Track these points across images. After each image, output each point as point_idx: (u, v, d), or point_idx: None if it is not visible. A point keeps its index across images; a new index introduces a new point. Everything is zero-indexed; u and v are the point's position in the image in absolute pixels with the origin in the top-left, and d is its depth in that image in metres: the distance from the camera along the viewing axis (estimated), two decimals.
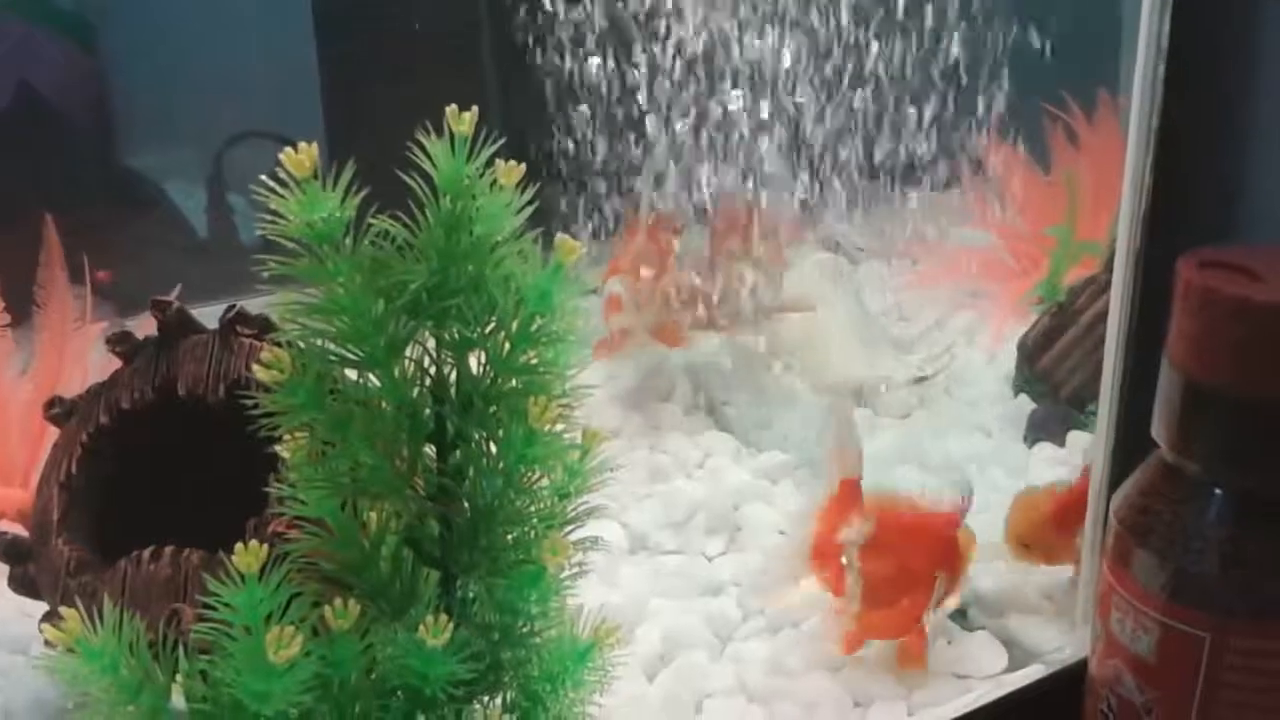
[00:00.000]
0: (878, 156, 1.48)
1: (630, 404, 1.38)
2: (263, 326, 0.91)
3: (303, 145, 0.64)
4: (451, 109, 0.69)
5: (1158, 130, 0.79)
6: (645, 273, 1.35)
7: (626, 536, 1.13)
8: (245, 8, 1.83)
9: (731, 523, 1.15)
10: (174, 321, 0.92)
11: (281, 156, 0.64)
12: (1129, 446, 0.84)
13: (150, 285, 1.46)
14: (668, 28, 1.38)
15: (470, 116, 0.69)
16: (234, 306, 0.91)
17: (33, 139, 1.75)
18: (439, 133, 0.67)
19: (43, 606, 0.90)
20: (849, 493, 0.96)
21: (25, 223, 1.33)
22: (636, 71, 1.41)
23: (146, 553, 0.87)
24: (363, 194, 0.67)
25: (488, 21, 1.64)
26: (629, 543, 1.13)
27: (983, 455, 1.24)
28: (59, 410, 0.93)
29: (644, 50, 1.39)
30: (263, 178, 0.65)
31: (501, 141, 0.69)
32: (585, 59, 1.46)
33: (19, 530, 1.00)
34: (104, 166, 1.88)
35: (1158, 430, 0.68)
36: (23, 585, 0.92)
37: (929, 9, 1.43)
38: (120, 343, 0.92)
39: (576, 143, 1.49)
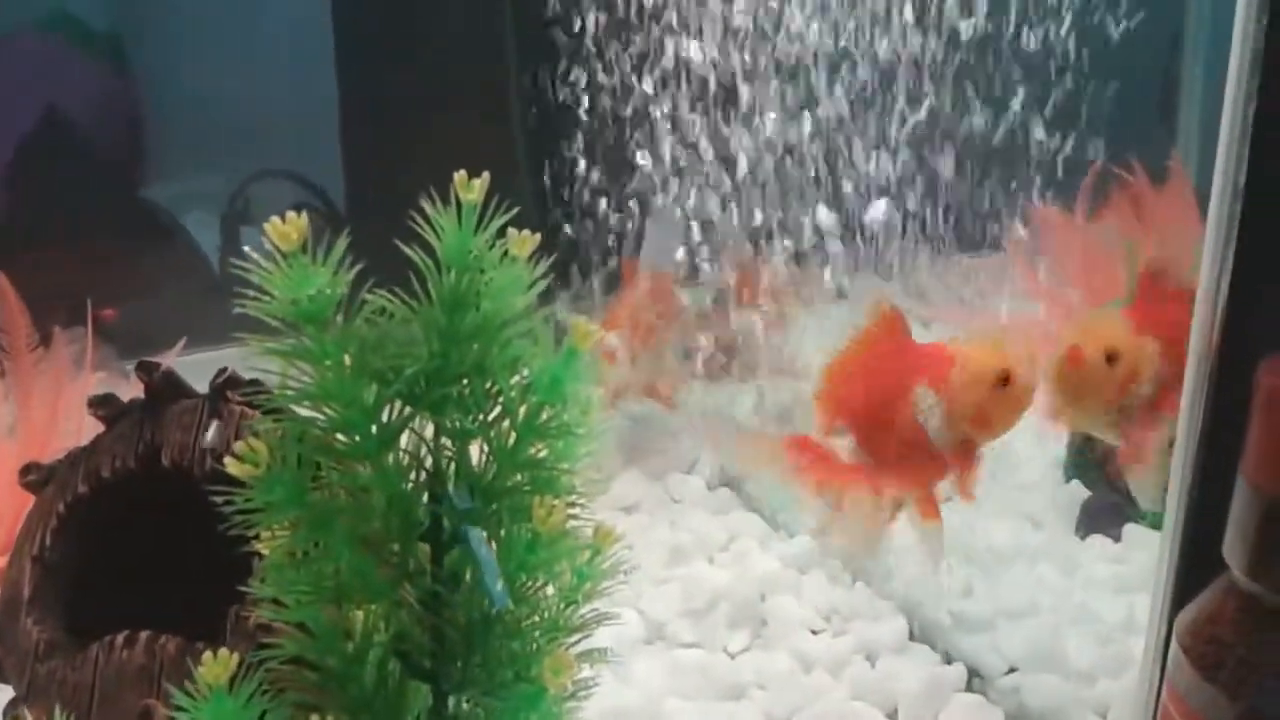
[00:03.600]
0: (922, 215, 1.42)
1: (651, 474, 1.31)
2: (255, 392, 0.85)
3: (290, 216, 0.58)
4: (460, 175, 0.63)
5: (1239, 220, 0.72)
6: (644, 325, 1.30)
7: (643, 624, 1.06)
8: (269, 40, 1.80)
9: (757, 616, 1.08)
10: (162, 385, 0.86)
11: (267, 228, 0.58)
12: (1195, 559, 0.77)
13: (159, 325, 1.43)
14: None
15: (480, 184, 0.63)
16: (225, 370, 0.85)
17: (56, 166, 1.73)
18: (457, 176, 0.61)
19: (8, 690, 0.84)
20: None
21: (44, 254, 1.29)
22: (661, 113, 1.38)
23: (120, 638, 0.81)
24: (359, 267, 0.61)
25: (514, 65, 1.61)
26: (645, 631, 1.06)
27: (1030, 548, 1.16)
28: (36, 477, 0.87)
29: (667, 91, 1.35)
30: (247, 249, 0.59)
31: (515, 210, 0.63)
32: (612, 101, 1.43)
33: None
34: (125, 196, 1.86)
35: (1230, 552, 0.63)
36: None
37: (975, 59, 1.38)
38: (103, 406, 0.86)
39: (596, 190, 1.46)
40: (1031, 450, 1.37)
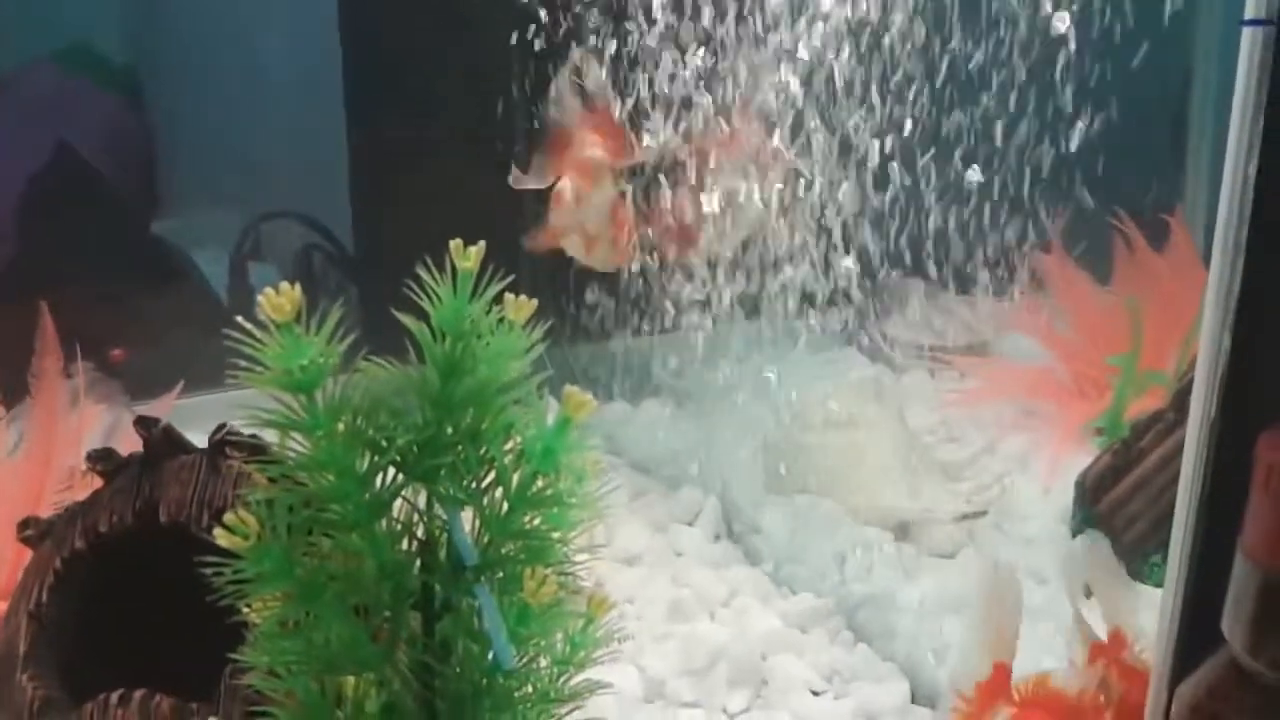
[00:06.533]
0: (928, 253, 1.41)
1: (655, 524, 1.31)
2: (254, 449, 0.85)
3: (284, 287, 0.58)
4: (456, 243, 0.63)
5: (1240, 286, 0.72)
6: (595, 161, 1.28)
7: (641, 682, 1.05)
8: (281, 81, 1.82)
9: (758, 675, 1.06)
10: (160, 440, 0.86)
11: (261, 299, 0.58)
12: (1196, 628, 0.76)
13: (168, 366, 1.43)
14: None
15: (476, 252, 0.63)
16: (223, 426, 0.85)
17: (68, 202, 1.73)
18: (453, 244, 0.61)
19: None
20: (1000, 679, 0.86)
21: (53, 291, 1.29)
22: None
23: (115, 696, 0.81)
24: (350, 338, 0.61)
25: (521, 108, 1.61)
26: (644, 689, 1.05)
27: (1035, 607, 1.14)
28: (33, 532, 0.87)
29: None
30: (239, 319, 0.59)
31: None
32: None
33: None
34: (136, 234, 1.85)
35: (1230, 628, 0.62)
36: None
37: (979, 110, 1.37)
38: (102, 460, 0.86)
39: None
40: (1037, 503, 1.36)
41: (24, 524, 0.88)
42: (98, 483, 0.88)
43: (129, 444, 0.88)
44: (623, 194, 1.35)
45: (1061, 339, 1.58)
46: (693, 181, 1.34)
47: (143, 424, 0.86)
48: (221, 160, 1.86)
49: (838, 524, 1.27)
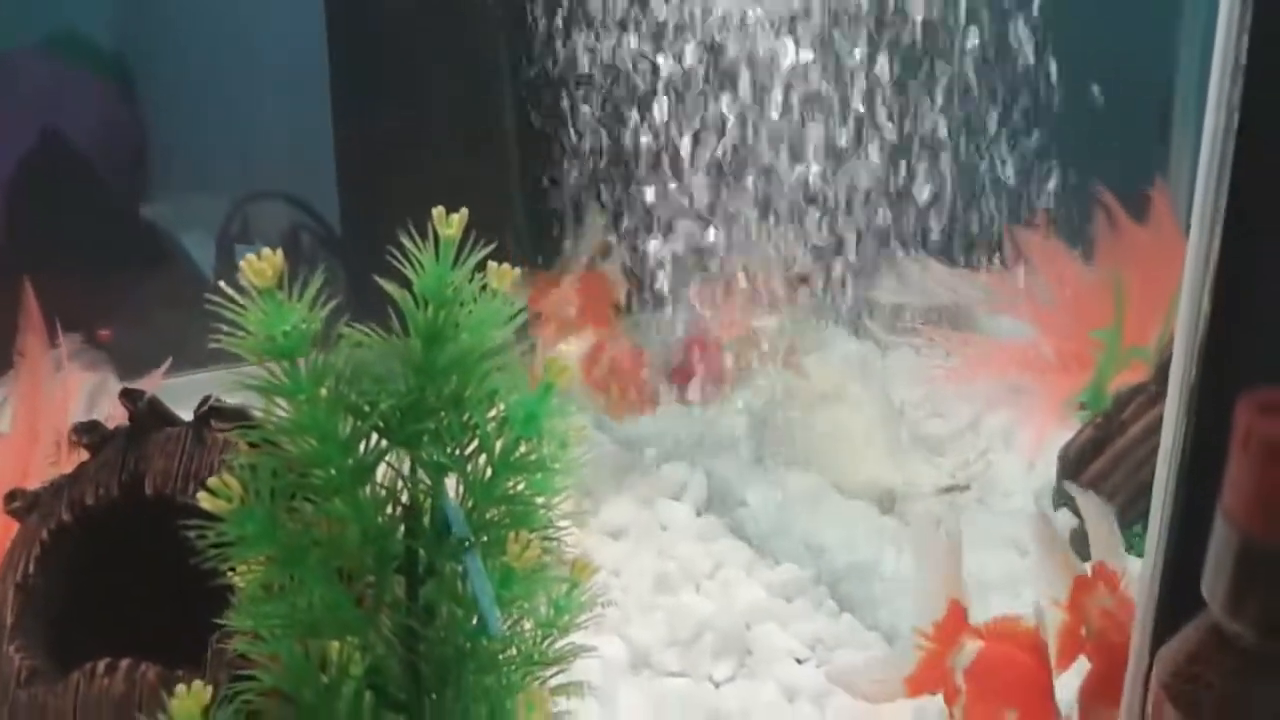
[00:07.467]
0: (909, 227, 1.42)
1: (641, 499, 1.31)
2: (239, 421, 0.85)
3: (265, 252, 0.59)
4: (438, 211, 0.63)
5: (1220, 249, 0.72)
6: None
7: (628, 652, 1.06)
8: (268, 62, 1.81)
9: (742, 645, 1.07)
10: (146, 413, 0.86)
11: (243, 264, 0.58)
12: (1179, 592, 0.77)
13: (155, 345, 1.43)
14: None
15: (459, 219, 0.63)
16: (208, 398, 0.85)
17: (56, 185, 1.73)
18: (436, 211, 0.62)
19: None
20: (956, 614, 0.91)
21: (42, 272, 1.29)
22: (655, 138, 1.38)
23: (101, 665, 0.81)
24: (334, 302, 0.61)
25: (509, 90, 1.61)
26: (630, 659, 1.05)
27: (1017, 575, 1.15)
28: (19, 504, 0.87)
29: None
30: (221, 284, 0.59)
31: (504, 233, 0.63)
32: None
33: None
34: (124, 217, 1.85)
35: (1209, 589, 0.62)
36: None
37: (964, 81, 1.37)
38: (87, 433, 0.86)
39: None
40: (1020, 478, 1.37)
41: (10, 496, 0.88)
42: (85, 456, 0.88)
43: (116, 413, 0.88)
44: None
45: (1045, 314, 1.59)
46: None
47: (128, 396, 0.86)
48: (208, 144, 1.85)
49: (823, 497, 1.27)
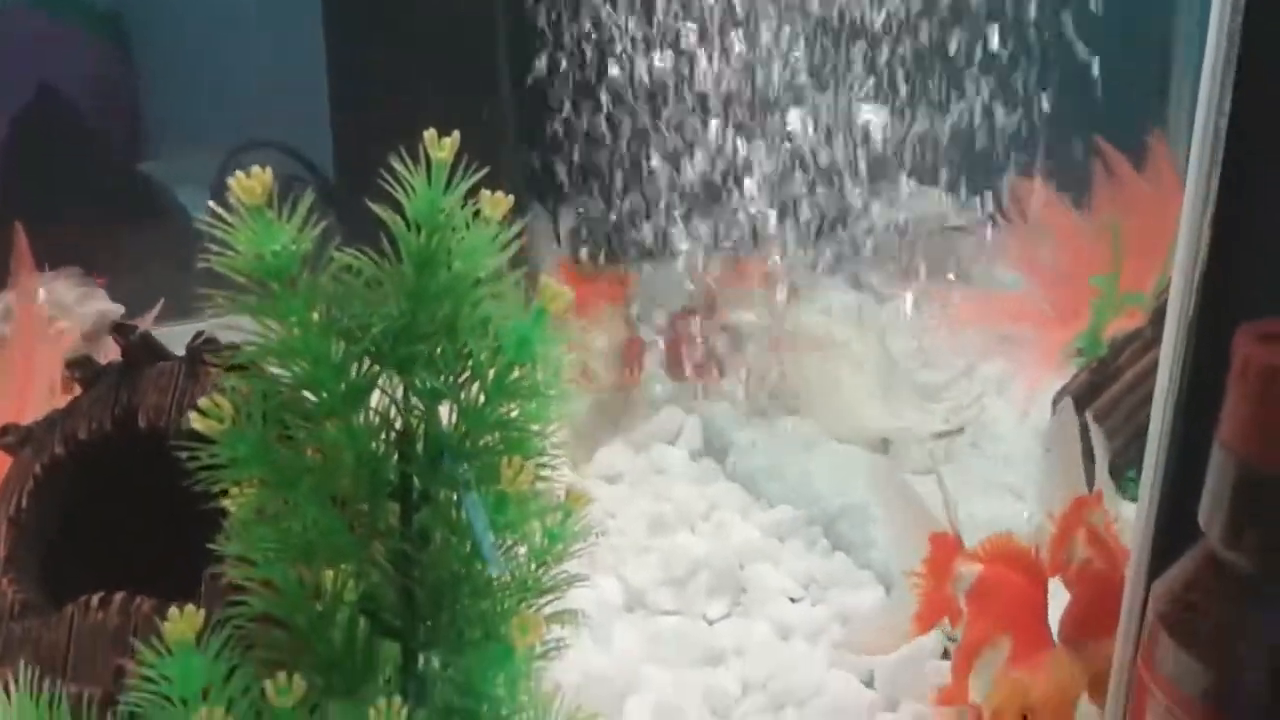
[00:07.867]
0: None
1: (637, 444, 1.31)
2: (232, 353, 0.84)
3: (255, 170, 0.58)
4: (430, 134, 0.62)
5: (1219, 182, 0.72)
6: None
7: (623, 592, 1.06)
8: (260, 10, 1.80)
9: (736, 584, 1.07)
10: (138, 347, 0.85)
11: (231, 182, 0.57)
12: (1174, 528, 0.77)
13: (149, 298, 1.43)
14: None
15: (451, 143, 0.63)
16: (201, 332, 0.85)
17: (50, 139, 1.72)
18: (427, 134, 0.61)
19: None
20: (941, 546, 0.91)
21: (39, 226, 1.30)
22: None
23: (95, 598, 0.81)
24: (323, 224, 0.61)
25: (504, 37, 1.60)
26: (625, 599, 1.06)
27: (1010, 520, 1.16)
28: (12, 439, 0.87)
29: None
30: (210, 203, 0.59)
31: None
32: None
33: None
34: (119, 170, 1.86)
35: (1206, 519, 0.62)
36: None
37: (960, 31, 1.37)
38: (80, 368, 0.86)
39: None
40: (1014, 425, 1.37)
41: (3, 430, 0.88)
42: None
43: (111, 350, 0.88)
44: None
45: (1041, 265, 1.59)
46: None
47: (120, 331, 0.86)
48: (203, 97, 1.84)
49: (817, 441, 1.28)
